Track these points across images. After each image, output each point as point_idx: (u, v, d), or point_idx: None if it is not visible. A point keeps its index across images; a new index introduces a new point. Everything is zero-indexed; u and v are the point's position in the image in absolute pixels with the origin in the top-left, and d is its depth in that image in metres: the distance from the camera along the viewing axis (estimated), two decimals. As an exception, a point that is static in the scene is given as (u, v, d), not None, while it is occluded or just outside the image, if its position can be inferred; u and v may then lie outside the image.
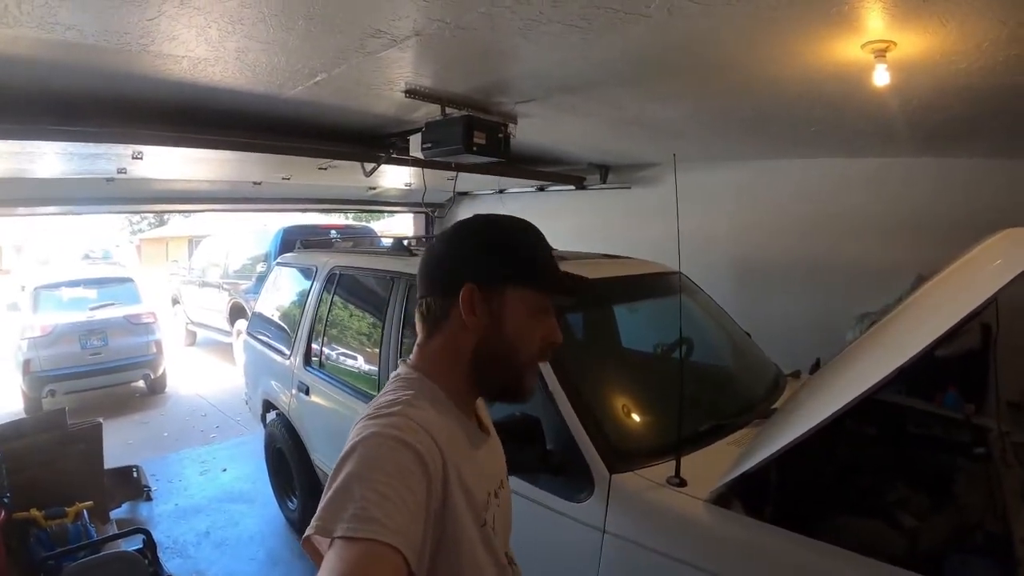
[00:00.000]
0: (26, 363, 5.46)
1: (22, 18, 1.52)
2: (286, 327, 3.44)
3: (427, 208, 7.05)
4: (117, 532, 2.90)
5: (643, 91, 2.34)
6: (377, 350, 2.53)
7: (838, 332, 3.32)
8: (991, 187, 3.18)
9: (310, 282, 3.24)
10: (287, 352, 3.27)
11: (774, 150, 3.84)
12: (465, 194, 6.58)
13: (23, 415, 4.90)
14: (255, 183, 5.08)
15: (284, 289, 3.73)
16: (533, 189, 5.70)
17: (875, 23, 1.50)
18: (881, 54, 1.64)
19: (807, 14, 1.48)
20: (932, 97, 2.14)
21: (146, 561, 2.43)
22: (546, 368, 1.76)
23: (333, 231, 6.86)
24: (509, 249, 0.87)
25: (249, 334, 3.96)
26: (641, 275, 2.55)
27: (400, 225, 10.82)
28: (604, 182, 5.04)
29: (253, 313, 4.16)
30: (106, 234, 19.34)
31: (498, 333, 0.83)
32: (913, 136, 2.95)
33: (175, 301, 9.27)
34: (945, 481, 1.69)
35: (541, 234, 0.91)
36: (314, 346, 3.03)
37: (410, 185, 5.46)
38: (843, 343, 2.53)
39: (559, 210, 5.49)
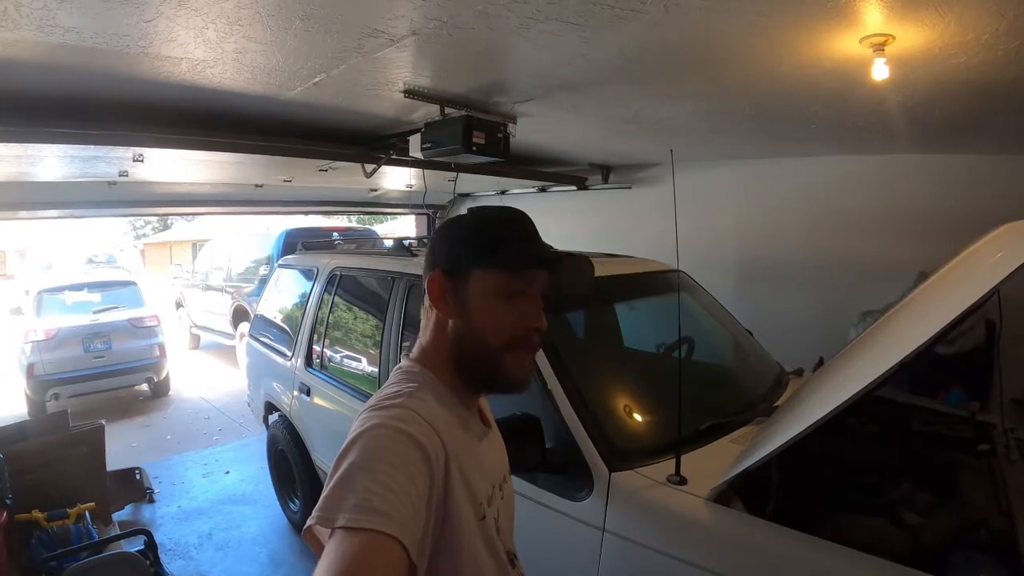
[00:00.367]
0: (30, 367, 5.49)
1: (21, 21, 1.53)
2: (287, 329, 3.44)
3: (429, 210, 7.06)
4: (119, 533, 2.90)
5: (642, 89, 2.34)
6: (377, 351, 2.53)
7: (841, 330, 3.31)
8: (994, 183, 3.16)
9: (311, 283, 3.24)
10: (288, 353, 3.27)
11: (775, 148, 3.82)
12: (467, 195, 6.59)
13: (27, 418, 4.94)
14: (257, 186, 5.10)
15: (286, 291, 3.73)
16: (534, 190, 5.70)
17: (873, 16, 1.49)
18: (880, 48, 1.63)
19: (804, 8, 1.48)
20: (932, 92, 2.13)
21: (148, 562, 2.43)
22: (546, 367, 1.76)
23: (335, 233, 6.87)
24: (475, 232, 0.84)
25: (251, 336, 3.96)
26: (642, 273, 2.55)
27: (403, 227, 10.83)
28: (606, 182, 5.04)
29: (255, 315, 4.17)
30: (110, 239, 19.44)
31: (467, 321, 0.81)
32: (914, 132, 2.94)
33: (179, 305, 9.29)
34: (949, 478, 1.67)
35: (521, 215, 0.86)
36: (315, 347, 3.03)
37: (411, 186, 5.47)
38: (846, 341, 2.52)
39: (560, 210, 5.49)
